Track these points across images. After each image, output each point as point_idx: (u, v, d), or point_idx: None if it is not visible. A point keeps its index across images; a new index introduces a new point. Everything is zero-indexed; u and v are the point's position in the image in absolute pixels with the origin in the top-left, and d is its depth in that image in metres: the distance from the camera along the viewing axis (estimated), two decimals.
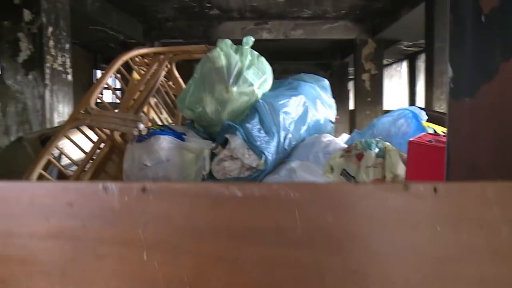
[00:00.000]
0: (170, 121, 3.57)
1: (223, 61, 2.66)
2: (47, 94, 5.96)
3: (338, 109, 11.70)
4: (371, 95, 11.14)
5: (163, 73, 3.02)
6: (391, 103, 16.07)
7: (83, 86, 11.76)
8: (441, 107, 9.20)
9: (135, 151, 2.50)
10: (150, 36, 10.56)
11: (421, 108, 2.93)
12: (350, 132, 13.89)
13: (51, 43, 6.02)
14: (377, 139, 2.58)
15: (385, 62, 13.91)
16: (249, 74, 2.67)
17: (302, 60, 15.87)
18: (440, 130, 2.87)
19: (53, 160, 2.47)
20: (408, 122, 2.86)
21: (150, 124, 3.18)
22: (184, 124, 3.00)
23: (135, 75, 3.10)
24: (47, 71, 5.94)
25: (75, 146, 2.67)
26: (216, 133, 2.73)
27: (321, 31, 10.93)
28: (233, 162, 2.56)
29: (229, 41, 2.78)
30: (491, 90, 0.89)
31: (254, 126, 2.53)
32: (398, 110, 2.92)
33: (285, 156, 2.69)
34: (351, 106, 16.81)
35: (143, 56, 3.03)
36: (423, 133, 2.52)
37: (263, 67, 2.79)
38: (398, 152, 2.44)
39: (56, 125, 6.17)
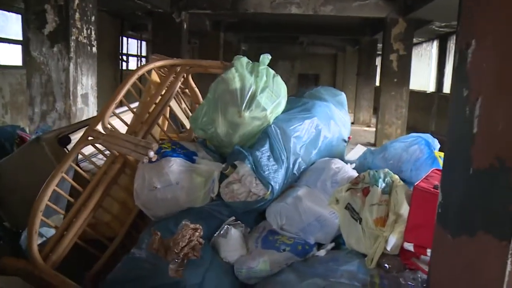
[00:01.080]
0: (189, 112, 3.60)
1: (237, 83, 2.66)
2: (72, 67, 6.02)
3: (364, 86, 11.67)
4: (398, 76, 10.97)
5: (179, 84, 3.04)
6: (418, 83, 15.76)
7: (109, 53, 11.87)
8: None
9: (146, 172, 2.56)
10: (178, 6, 10.46)
11: (434, 136, 2.91)
12: (374, 111, 13.83)
13: (77, 15, 6.03)
14: (386, 170, 2.58)
15: (414, 40, 13.57)
16: (263, 98, 2.67)
17: (330, 35, 15.61)
18: None
19: (66, 177, 2.54)
20: (421, 149, 2.85)
21: (163, 134, 3.23)
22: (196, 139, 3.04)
23: (150, 87, 3.13)
24: (72, 43, 5.99)
25: (88, 161, 2.75)
26: (227, 154, 2.77)
27: (351, 8, 10.69)
28: (241, 185, 2.60)
29: (245, 60, 2.77)
30: (469, 246, 0.90)
31: (263, 154, 2.56)
32: (412, 137, 2.91)
33: (293, 180, 2.72)
34: (377, 83, 16.60)
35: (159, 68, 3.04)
36: (433, 171, 2.52)
37: (277, 89, 2.78)
38: (404, 189, 2.44)
39: (79, 98, 6.28)
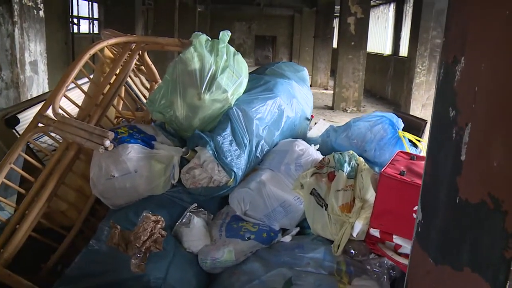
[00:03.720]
0: (146, 83, 3.45)
1: (196, 64, 2.52)
2: (17, 32, 5.64)
3: (321, 48, 11.59)
4: (356, 39, 10.97)
5: (134, 62, 2.87)
6: (374, 46, 15.81)
7: (59, 16, 11.24)
8: (423, 64, 9.08)
9: (102, 160, 2.42)
10: None
11: (398, 116, 2.88)
12: (331, 73, 13.89)
13: None
14: (351, 152, 2.54)
15: (372, 3, 13.54)
16: (223, 79, 2.55)
17: None
18: (414, 138, 2.85)
19: (16, 168, 2.38)
20: (385, 128, 2.82)
21: (119, 117, 3.08)
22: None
23: (103, 66, 2.95)
24: (16, 7, 5.58)
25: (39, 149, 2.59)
26: (188, 137, 2.65)
27: None
28: (203, 170, 2.51)
29: (203, 38, 2.62)
30: (455, 281, 0.85)
31: (225, 138, 2.46)
32: (375, 116, 2.87)
33: (257, 163, 2.65)
34: (335, 45, 16.50)
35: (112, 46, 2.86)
36: (398, 154, 2.49)
37: (238, 69, 2.66)
38: (370, 173, 2.41)
39: (27, 65, 5.94)
